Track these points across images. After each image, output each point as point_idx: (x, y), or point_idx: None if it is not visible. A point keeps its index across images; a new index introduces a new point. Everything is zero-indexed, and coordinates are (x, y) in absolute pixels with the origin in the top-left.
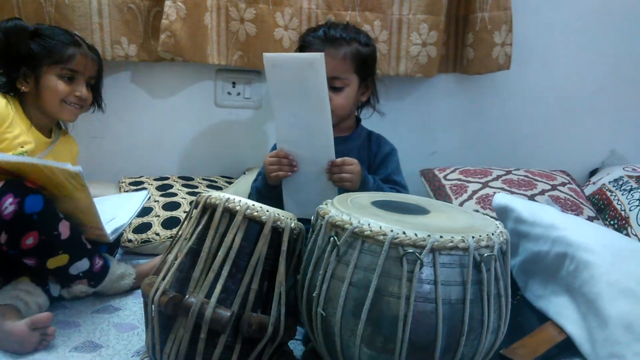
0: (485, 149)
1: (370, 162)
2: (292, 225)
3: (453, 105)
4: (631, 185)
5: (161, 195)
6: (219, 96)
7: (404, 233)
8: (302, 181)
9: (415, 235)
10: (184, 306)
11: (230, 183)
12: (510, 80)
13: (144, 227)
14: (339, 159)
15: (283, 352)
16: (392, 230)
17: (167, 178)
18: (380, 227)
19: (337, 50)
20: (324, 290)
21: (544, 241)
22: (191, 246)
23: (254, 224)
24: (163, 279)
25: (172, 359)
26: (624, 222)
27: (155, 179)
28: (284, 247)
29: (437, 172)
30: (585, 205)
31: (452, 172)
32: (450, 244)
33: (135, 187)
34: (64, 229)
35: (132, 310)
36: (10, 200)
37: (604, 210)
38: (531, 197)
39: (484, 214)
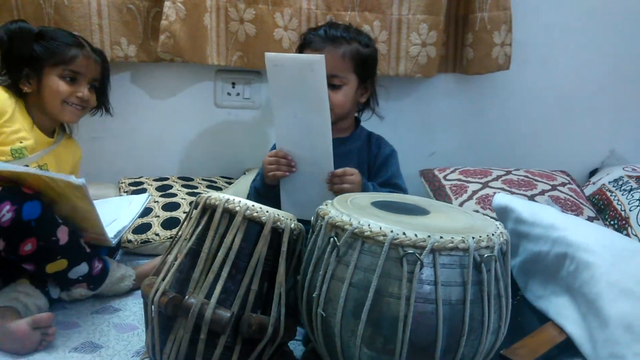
0: (485, 149)
1: (370, 163)
2: (292, 225)
3: (453, 106)
4: (631, 186)
5: (161, 196)
6: (218, 97)
7: (404, 234)
8: (300, 182)
9: (416, 235)
10: (183, 307)
11: (230, 183)
12: (509, 80)
13: (143, 228)
14: (339, 170)
15: (283, 352)
16: (392, 231)
17: (166, 178)
18: (380, 228)
19: (337, 48)
20: (324, 290)
21: (544, 241)
22: (191, 247)
23: (253, 225)
24: (163, 279)
25: (172, 359)
26: (624, 222)
27: (155, 180)
28: (284, 247)
29: (437, 173)
30: (585, 206)
31: (452, 172)
32: (451, 245)
33: (135, 188)
34: (63, 235)
35: (132, 311)
36: (7, 207)
37: (604, 211)
38: (531, 198)
39: (484, 214)
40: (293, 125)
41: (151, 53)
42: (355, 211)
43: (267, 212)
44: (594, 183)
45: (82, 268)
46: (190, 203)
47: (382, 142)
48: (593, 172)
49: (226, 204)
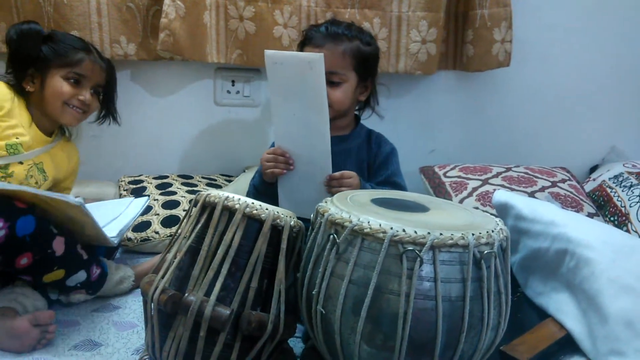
0: (485, 146)
1: (370, 162)
2: (292, 223)
3: (453, 103)
4: (631, 182)
5: (161, 194)
6: (218, 95)
7: (404, 230)
8: (298, 180)
9: (415, 232)
10: (183, 304)
11: (229, 181)
12: (510, 77)
13: (143, 226)
14: (337, 173)
15: (283, 349)
16: (391, 228)
17: (166, 177)
18: (380, 225)
19: (337, 45)
20: (323, 287)
21: (544, 238)
22: (190, 244)
23: (253, 222)
24: (162, 277)
25: (171, 357)
26: (624, 218)
27: (155, 178)
28: (284, 245)
29: (437, 170)
30: (585, 202)
31: (452, 169)
32: (450, 242)
33: (134, 186)
34: (59, 246)
35: (131, 309)
36: (0, 224)
37: (604, 207)
38: (531, 194)
39: (484, 211)
40: (291, 123)
41: (151, 51)
42: (355, 208)
43: (267, 209)
44: (594, 179)
45: (80, 276)
46: (190, 201)
47: (382, 140)
48: (593, 169)
49: (226, 202)
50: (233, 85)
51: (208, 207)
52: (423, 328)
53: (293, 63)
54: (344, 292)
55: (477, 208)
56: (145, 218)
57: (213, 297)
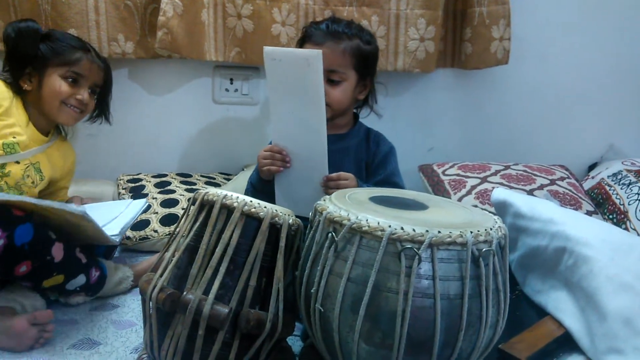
0: (483, 144)
1: (368, 161)
2: (290, 221)
3: (451, 101)
4: (630, 180)
5: (159, 193)
6: (216, 93)
7: (402, 228)
8: (294, 178)
9: (414, 230)
10: (181, 303)
11: (228, 179)
12: (508, 75)
13: (142, 224)
14: (334, 174)
15: (281, 348)
16: (390, 226)
17: (165, 175)
18: (379, 223)
19: (337, 44)
20: (322, 286)
21: (543, 236)
22: (189, 243)
23: (251, 221)
24: (161, 275)
25: (170, 355)
26: (622, 216)
27: (153, 176)
28: (282, 243)
29: (435, 168)
30: (584, 200)
31: (450, 167)
32: (449, 239)
33: (133, 185)
34: (57, 252)
35: (130, 308)
36: None
37: (603, 205)
38: (530, 192)
39: (482, 209)
40: (289, 120)
41: (149, 49)
42: (354, 206)
43: (265, 207)
44: (592, 177)
45: (80, 279)
46: (189, 199)
47: (380, 139)
48: (592, 167)
49: (224, 200)
50: (231, 83)
51: (206, 206)
52: (421, 326)
53: (291, 59)
54: (343, 291)
55: (475, 206)
56: (144, 216)
57: (211, 295)
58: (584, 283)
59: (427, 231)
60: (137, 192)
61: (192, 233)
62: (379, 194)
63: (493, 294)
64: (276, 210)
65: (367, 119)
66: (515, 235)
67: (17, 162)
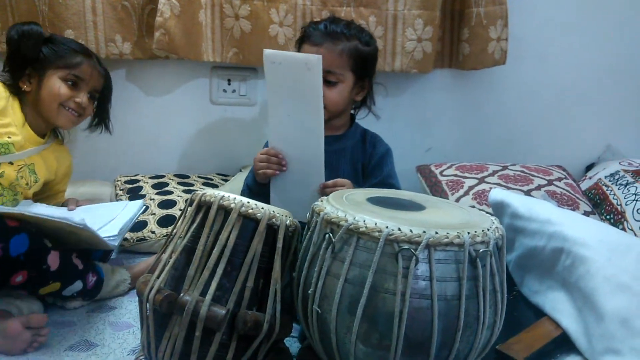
0: (481, 145)
1: (364, 162)
2: (288, 222)
3: (449, 101)
4: (627, 180)
5: (157, 194)
6: (214, 93)
7: (399, 229)
8: (290, 182)
9: (411, 231)
10: (178, 304)
11: (226, 180)
12: (506, 76)
13: (139, 226)
14: (330, 181)
15: (279, 349)
16: (387, 227)
17: (162, 176)
18: (376, 224)
19: (336, 44)
20: (319, 287)
21: (540, 236)
22: (186, 244)
23: (249, 222)
24: (158, 277)
25: (167, 357)
26: (620, 216)
27: (151, 177)
28: (280, 244)
29: (433, 168)
30: (581, 200)
31: (448, 167)
32: (446, 240)
33: (130, 186)
34: (53, 261)
35: (127, 309)
36: None
37: (600, 205)
38: (527, 193)
39: (480, 209)
40: (287, 124)
41: (146, 50)
42: (351, 207)
43: (263, 208)
44: (590, 178)
45: (76, 286)
46: (186, 200)
47: (377, 141)
48: (589, 167)
49: (221, 201)
50: (229, 84)
51: (203, 207)
52: (419, 327)
53: (291, 63)
54: (340, 292)
55: (473, 207)
56: (141, 218)
57: (209, 296)
58: (582, 283)
59: (424, 232)
60: (134, 193)
61: (189, 234)
62: (376, 194)
63: (490, 294)
64: (273, 211)
65: (365, 120)
66: (512, 236)
67: (11, 163)
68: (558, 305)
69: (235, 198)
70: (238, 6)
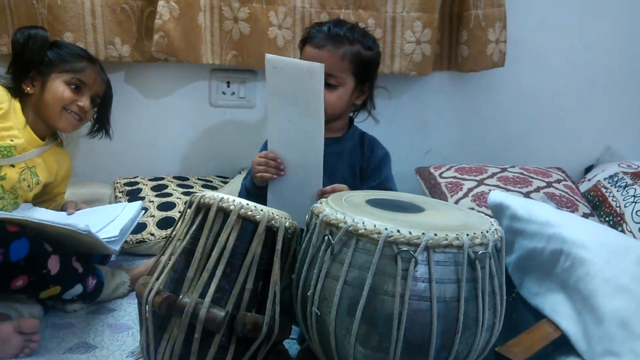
0: (480, 147)
1: (362, 165)
2: (287, 224)
3: (448, 103)
4: (626, 182)
5: (156, 196)
6: (213, 96)
7: (399, 231)
8: (288, 186)
9: (410, 233)
10: (178, 306)
11: (225, 183)
12: (504, 78)
13: (139, 228)
14: (328, 187)
15: (278, 351)
16: (386, 229)
17: (162, 178)
18: (375, 226)
19: (338, 48)
20: (318, 289)
21: (539, 238)
22: (185, 246)
23: (248, 224)
24: (157, 279)
25: (166, 359)
26: (619, 218)
27: (150, 179)
28: (279, 246)
29: (432, 170)
30: (580, 202)
31: (447, 169)
32: (445, 242)
33: (130, 188)
34: (54, 265)
35: (126, 311)
36: None
37: (599, 207)
38: (526, 195)
39: (479, 211)
40: (286, 128)
41: (145, 53)
42: (350, 209)
43: (262, 210)
44: (589, 180)
45: (77, 289)
46: (185, 202)
47: (375, 144)
48: (588, 169)
49: (220, 203)
50: (228, 86)
51: (203, 209)
52: (418, 329)
53: (293, 69)
54: (339, 294)
55: (472, 209)
56: (140, 220)
57: (208, 298)
58: (581, 285)
59: (423, 234)
60: (134, 195)
61: (188, 236)
62: (375, 196)
63: (489, 296)
64: (272, 213)
65: (366, 122)
66: (511, 238)
67: (12, 166)
68: (557, 307)
69: (234, 200)
70: (237, 9)
